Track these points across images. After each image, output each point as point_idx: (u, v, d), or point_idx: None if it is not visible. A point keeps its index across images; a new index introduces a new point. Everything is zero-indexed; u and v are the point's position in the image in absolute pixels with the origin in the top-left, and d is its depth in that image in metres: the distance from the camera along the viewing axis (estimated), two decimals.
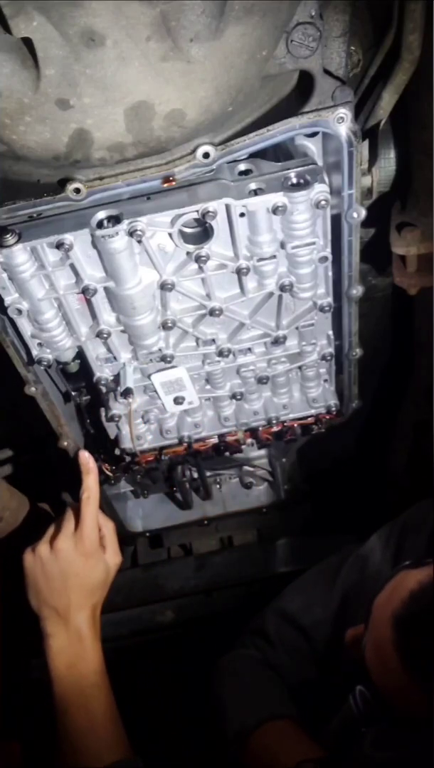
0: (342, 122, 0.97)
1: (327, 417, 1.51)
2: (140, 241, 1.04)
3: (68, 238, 1.02)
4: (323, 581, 1.42)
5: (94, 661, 1.27)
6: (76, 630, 1.27)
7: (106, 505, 1.68)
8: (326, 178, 1.04)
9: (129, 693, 1.90)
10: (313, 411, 1.50)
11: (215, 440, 1.52)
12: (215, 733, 1.32)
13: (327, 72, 0.96)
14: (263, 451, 1.73)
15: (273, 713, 1.27)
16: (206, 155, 0.96)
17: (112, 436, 1.46)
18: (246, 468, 1.79)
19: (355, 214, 1.09)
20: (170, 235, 1.06)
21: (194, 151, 0.95)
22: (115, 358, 1.28)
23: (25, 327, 1.17)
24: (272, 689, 1.34)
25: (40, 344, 1.21)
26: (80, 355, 1.28)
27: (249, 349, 1.33)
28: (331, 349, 1.37)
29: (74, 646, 1.27)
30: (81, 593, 1.30)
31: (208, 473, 1.74)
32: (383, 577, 1.31)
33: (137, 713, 1.83)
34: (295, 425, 1.53)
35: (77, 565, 1.30)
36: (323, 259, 1.15)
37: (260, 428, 1.51)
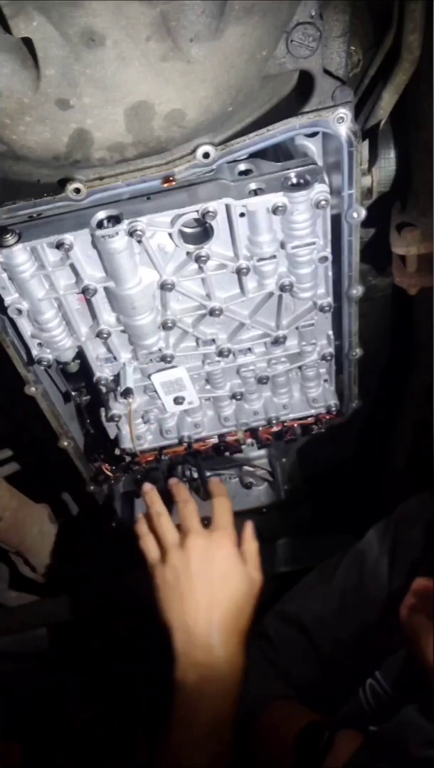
0: (342, 122, 0.97)
1: (327, 417, 1.51)
2: (140, 241, 1.04)
3: (68, 238, 1.02)
4: (321, 578, 1.42)
5: (226, 706, 1.08)
6: (218, 663, 1.10)
7: (106, 505, 1.68)
8: (326, 178, 1.04)
9: (129, 693, 1.91)
10: (313, 411, 1.50)
11: (215, 440, 1.52)
12: None
13: (327, 72, 0.96)
14: (263, 451, 1.73)
15: (281, 694, 1.27)
16: (206, 155, 0.96)
17: (112, 436, 1.46)
18: (246, 468, 1.79)
19: (355, 214, 1.09)
20: (170, 235, 1.06)
21: (194, 151, 0.95)
22: (115, 358, 1.28)
23: (25, 327, 1.17)
24: (277, 680, 1.34)
25: (40, 344, 1.21)
26: (80, 355, 1.28)
27: (249, 349, 1.33)
28: (331, 349, 1.37)
29: (208, 683, 1.09)
30: (224, 609, 1.14)
31: (208, 473, 1.74)
32: (381, 571, 1.32)
33: (137, 713, 1.83)
34: (295, 425, 1.53)
35: (214, 570, 1.16)
36: (323, 259, 1.15)
37: (260, 428, 1.51)
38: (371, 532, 1.38)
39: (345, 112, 0.97)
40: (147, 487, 1.35)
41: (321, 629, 1.36)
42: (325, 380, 1.47)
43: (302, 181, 1.03)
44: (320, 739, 1.07)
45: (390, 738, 1.01)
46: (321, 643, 1.36)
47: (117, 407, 1.36)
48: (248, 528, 1.28)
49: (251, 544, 1.26)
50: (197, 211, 1.02)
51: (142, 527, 1.30)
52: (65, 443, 1.43)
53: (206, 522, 1.27)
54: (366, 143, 1.14)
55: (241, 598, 1.18)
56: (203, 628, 1.14)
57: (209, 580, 1.17)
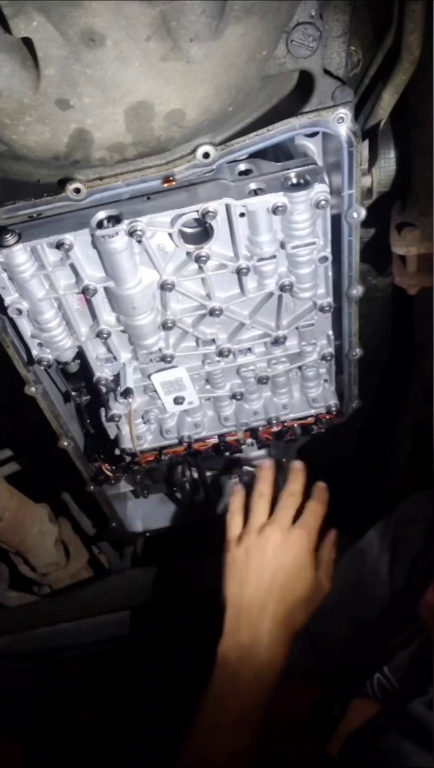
0: (342, 122, 0.97)
1: (327, 417, 1.51)
2: (140, 241, 1.04)
3: (68, 238, 1.02)
4: None
5: (259, 693, 1.08)
6: (261, 651, 1.11)
7: (106, 505, 1.68)
8: (326, 178, 1.04)
9: (128, 693, 1.91)
10: (313, 411, 1.50)
11: (215, 440, 1.52)
12: None
13: (327, 72, 0.96)
14: (263, 451, 1.73)
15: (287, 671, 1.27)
16: (206, 155, 0.96)
17: (112, 436, 1.46)
18: (246, 468, 1.79)
19: (355, 214, 1.09)
20: (170, 235, 1.06)
21: (194, 151, 0.95)
22: (115, 358, 1.28)
23: (25, 327, 1.17)
24: None
25: (40, 344, 1.21)
26: (80, 355, 1.28)
27: (249, 349, 1.33)
28: (331, 349, 1.37)
29: (248, 668, 1.10)
30: (283, 601, 1.15)
31: (208, 473, 1.74)
32: (381, 569, 1.32)
33: (136, 714, 1.83)
34: (295, 425, 1.53)
35: (286, 562, 1.17)
36: (323, 259, 1.15)
37: (260, 428, 1.51)
38: (371, 532, 1.39)
39: (345, 112, 0.97)
40: (267, 463, 1.32)
41: (320, 624, 1.36)
42: (325, 380, 1.48)
43: (302, 181, 1.03)
44: (333, 708, 1.08)
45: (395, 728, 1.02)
46: (320, 637, 1.36)
47: (117, 407, 1.36)
48: (332, 536, 1.28)
49: (330, 552, 1.26)
50: (197, 211, 1.02)
51: (236, 502, 1.29)
52: (65, 443, 1.43)
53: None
54: (366, 143, 1.14)
55: (301, 598, 1.18)
56: (255, 612, 1.15)
57: (275, 571, 1.18)
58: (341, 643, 1.34)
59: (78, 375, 1.37)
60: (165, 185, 0.99)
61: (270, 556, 1.19)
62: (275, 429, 1.52)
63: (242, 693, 1.09)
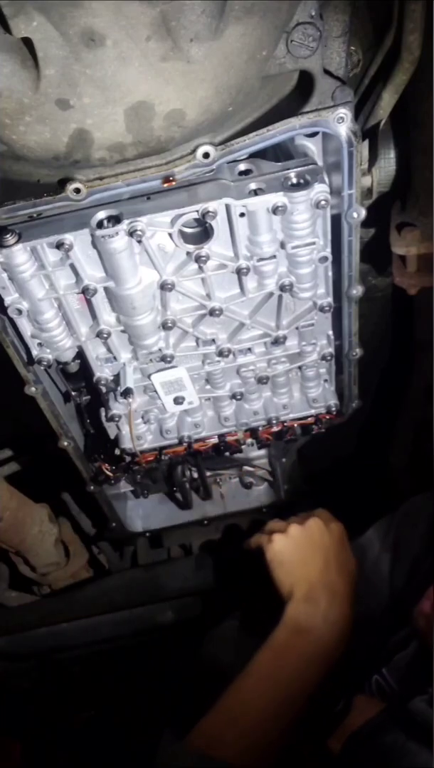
0: (342, 122, 0.97)
1: (327, 417, 1.51)
2: (140, 241, 1.04)
3: (68, 238, 1.02)
4: None
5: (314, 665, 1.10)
6: (330, 623, 1.13)
7: (106, 505, 1.68)
8: (326, 178, 1.05)
9: (128, 693, 1.90)
10: (313, 411, 1.50)
11: (215, 440, 1.52)
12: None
13: (327, 72, 0.96)
14: (263, 451, 1.73)
15: None
16: (206, 155, 0.96)
17: (112, 436, 1.46)
18: (246, 468, 1.79)
19: (355, 214, 1.09)
20: (170, 235, 1.06)
21: (194, 151, 0.95)
22: (115, 358, 1.28)
23: (25, 327, 1.17)
24: None
25: (40, 344, 1.21)
26: (80, 355, 1.28)
27: (249, 349, 1.33)
28: (331, 349, 1.37)
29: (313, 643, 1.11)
30: (341, 574, 1.19)
31: (208, 473, 1.74)
32: (382, 567, 1.32)
33: (136, 714, 1.83)
34: (295, 425, 1.53)
35: (332, 542, 1.23)
36: (323, 259, 1.15)
37: (260, 428, 1.51)
38: (372, 531, 1.39)
39: (345, 112, 0.97)
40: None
41: None
42: (325, 380, 1.48)
43: (302, 181, 1.03)
44: (332, 700, 1.08)
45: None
46: None
47: (117, 407, 1.36)
48: (325, 512, 1.33)
49: (337, 524, 1.31)
50: (197, 211, 1.02)
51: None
52: (65, 443, 1.43)
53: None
54: (366, 143, 1.14)
55: (351, 574, 1.23)
56: (323, 585, 1.18)
57: (327, 549, 1.23)
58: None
59: (78, 375, 1.37)
60: (165, 185, 0.99)
61: (319, 538, 1.25)
62: (275, 429, 1.52)
63: (299, 666, 1.10)
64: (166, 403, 1.38)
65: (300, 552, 1.24)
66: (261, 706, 1.05)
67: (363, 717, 1.05)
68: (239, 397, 1.43)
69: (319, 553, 1.23)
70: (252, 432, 1.52)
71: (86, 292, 1.11)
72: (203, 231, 1.08)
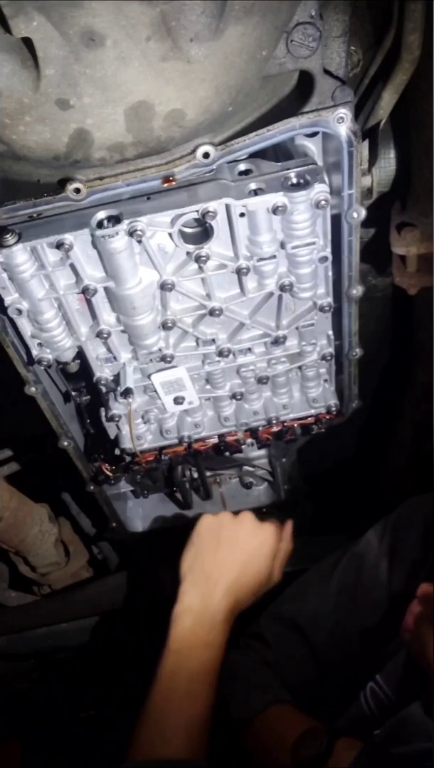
0: (342, 122, 0.97)
1: (327, 417, 1.51)
2: (140, 241, 1.04)
3: (68, 238, 1.02)
4: (316, 579, 1.42)
5: (212, 657, 1.14)
6: (212, 614, 1.17)
7: (106, 505, 1.68)
8: (326, 178, 1.04)
9: (128, 693, 1.90)
10: (313, 411, 1.50)
11: (215, 440, 1.52)
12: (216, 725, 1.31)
13: (327, 72, 0.96)
14: (263, 451, 1.73)
15: (277, 697, 1.27)
16: (206, 155, 0.96)
17: (112, 436, 1.46)
18: (246, 468, 1.79)
19: (355, 214, 1.09)
20: (170, 235, 1.06)
21: (194, 151, 0.95)
22: (115, 358, 1.28)
23: (25, 327, 1.17)
24: (273, 680, 1.34)
25: (40, 344, 1.21)
26: (80, 355, 1.28)
27: (249, 349, 1.33)
28: (331, 349, 1.37)
29: (201, 628, 1.16)
30: (238, 577, 1.22)
31: (208, 473, 1.74)
32: (380, 572, 1.32)
33: (136, 713, 1.83)
34: (295, 425, 1.53)
35: (252, 545, 1.25)
36: (323, 259, 1.15)
37: (260, 428, 1.51)
38: (370, 534, 1.38)
39: (345, 112, 0.97)
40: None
41: (317, 631, 1.36)
42: (325, 380, 1.47)
43: (302, 181, 1.03)
44: (318, 746, 1.07)
45: (393, 736, 1.01)
46: (318, 644, 1.36)
47: (117, 407, 1.36)
48: (289, 526, 1.36)
49: (287, 543, 1.34)
50: (197, 211, 1.02)
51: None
52: (65, 443, 1.43)
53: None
54: (366, 143, 1.14)
55: (254, 581, 1.25)
56: (213, 580, 1.21)
57: (241, 549, 1.26)
58: (341, 649, 1.34)
59: (78, 375, 1.37)
60: (165, 185, 0.99)
61: (240, 535, 1.28)
62: (275, 429, 1.52)
63: (193, 656, 1.14)
64: (166, 403, 1.38)
65: (212, 540, 1.27)
66: (170, 725, 1.09)
67: (344, 762, 1.04)
68: (239, 397, 1.43)
69: (230, 548, 1.25)
70: (252, 432, 1.52)
71: (86, 292, 1.11)
72: (203, 231, 1.08)
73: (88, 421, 1.49)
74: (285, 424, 1.52)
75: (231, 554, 1.25)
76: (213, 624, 1.17)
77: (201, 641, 1.15)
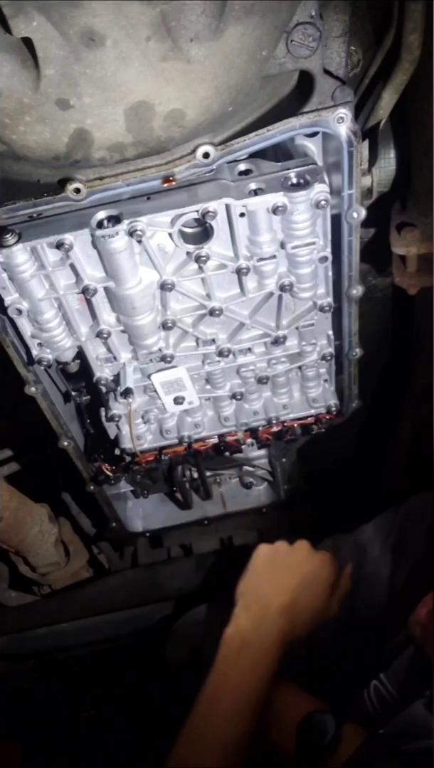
0: (342, 122, 0.97)
1: (327, 417, 1.51)
2: (140, 241, 1.04)
3: (68, 238, 1.02)
4: None
5: (258, 681, 1.10)
6: (262, 636, 1.14)
7: (106, 505, 1.68)
8: (326, 178, 1.04)
9: (128, 693, 1.90)
10: (313, 411, 1.50)
11: (215, 440, 1.52)
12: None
13: (327, 72, 0.96)
14: (263, 451, 1.73)
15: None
16: (206, 155, 0.96)
17: (112, 436, 1.46)
18: (246, 468, 1.79)
19: (355, 214, 1.09)
20: (170, 235, 1.06)
21: (194, 151, 0.95)
22: (115, 358, 1.28)
23: (25, 327, 1.17)
24: None
25: (40, 344, 1.21)
26: (80, 355, 1.28)
27: (249, 349, 1.33)
28: (331, 349, 1.37)
29: (250, 649, 1.12)
30: (292, 601, 1.18)
31: (208, 473, 1.74)
32: (383, 568, 1.31)
33: (136, 714, 1.83)
34: (295, 425, 1.53)
35: (306, 569, 1.22)
36: (323, 259, 1.15)
37: (260, 428, 1.51)
38: (371, 529, 1.38)
39: (345, 112, 0.97)
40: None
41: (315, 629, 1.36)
42: (325, 380, 1.47)
43: (302, 181, 1.03)
44: (322, 730, 1.07)
45: (396, 732, 1.01)
46: (316, 637, 1.36)
47: (117, 407, 1.36)
48: (349, 569, 1.31)
49: (346, 581, 1.29)
50: (197, 211, 1.02)
51: None
52: (65, 443, 1.43)
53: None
54: (366, 143, 1.14)
55: (311, 608, 1.21)
56: (266, 604, 1.18)
57: (299, 576, 1.22)
58: (337, 647, 1.33)
59: (78, 375, 1.37)
60: (165, 185, 0.99)
61: (295, 560, 1.24)
62: (275, 429, 1.52)
63: (239, 679, 1.10)
64: (166, 403, 1.38)
65: (269, 566, 1.24)
66: (207, 747, 1.06)
67: (350, 749, 1.04)
68: (239, 397, 1.43)
69: (288, 574, 1.22)
70: (252, 432, 1.52)
71: (86, 292, 1.11)
72: (203, 231, 1.08)
73: (88, 421, 1.49)
74: (285, 424, 1.52)
75: (285, 578, 1.21)
76: (262, 646, 1.13)
77: (249, 663, 1.12)
